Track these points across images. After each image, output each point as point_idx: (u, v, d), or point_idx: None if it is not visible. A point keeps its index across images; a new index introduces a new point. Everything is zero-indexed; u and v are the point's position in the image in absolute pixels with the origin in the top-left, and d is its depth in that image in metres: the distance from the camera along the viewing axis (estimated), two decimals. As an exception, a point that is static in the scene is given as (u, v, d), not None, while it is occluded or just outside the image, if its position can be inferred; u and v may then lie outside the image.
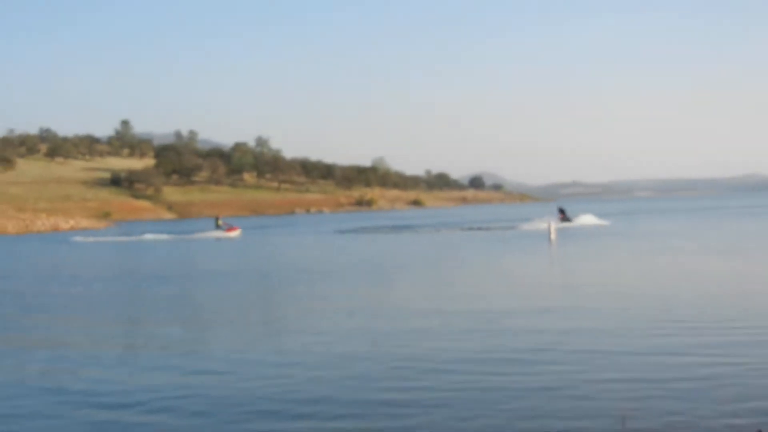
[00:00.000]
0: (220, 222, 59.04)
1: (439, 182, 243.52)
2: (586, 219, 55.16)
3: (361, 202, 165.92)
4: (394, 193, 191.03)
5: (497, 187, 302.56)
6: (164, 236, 57.46)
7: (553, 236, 40.54)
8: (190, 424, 8.33)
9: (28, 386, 10.20)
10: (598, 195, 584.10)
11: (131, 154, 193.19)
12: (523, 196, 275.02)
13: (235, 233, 56.35)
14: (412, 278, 23.25)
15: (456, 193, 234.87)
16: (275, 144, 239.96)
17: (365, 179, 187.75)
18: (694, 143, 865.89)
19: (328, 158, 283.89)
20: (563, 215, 54.65)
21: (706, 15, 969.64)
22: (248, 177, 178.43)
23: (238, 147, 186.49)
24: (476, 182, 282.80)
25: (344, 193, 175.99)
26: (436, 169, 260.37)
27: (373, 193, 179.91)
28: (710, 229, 46.75)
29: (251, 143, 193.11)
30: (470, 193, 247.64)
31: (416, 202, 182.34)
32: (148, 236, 58.13)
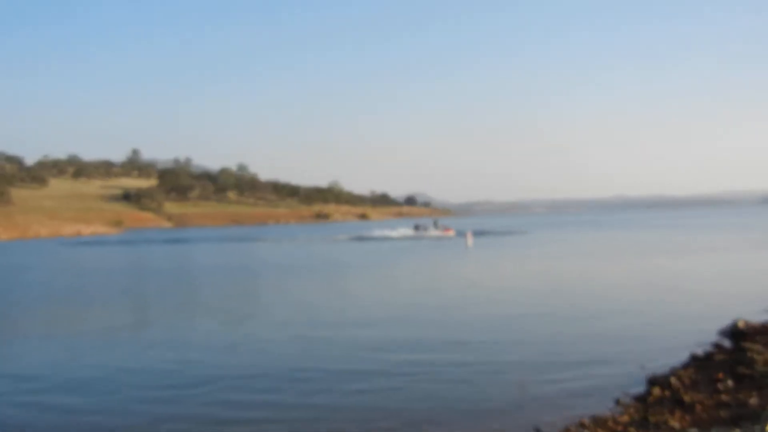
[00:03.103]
0: (438, 224, 59.21)
1: (381, 200, 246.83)
2: (434, 232, 58.12)
3: (320, 216, 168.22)
4: (346, 208, 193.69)
5: (427, 205, 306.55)
6: (399, 232, 56.31)
7: (469, 242, 40.79)
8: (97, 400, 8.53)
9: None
10: (504, 211, 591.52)
11: (140, 176, 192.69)
12: (446, 211, 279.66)
13: (450, 234, 55.83)
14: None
15: (395, 209, 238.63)
16: (253, 168, 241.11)
17: (323, 197, 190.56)
18: (582, 169, 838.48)
19: (294, 180, 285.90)
20: (417, 229, 59.09)
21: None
22: (231, 195, 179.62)
23: (224, 171, 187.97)
24: (410, 200, 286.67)
25: (306, 208, 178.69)
26: (379, 190, 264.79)
27: (330, 208, 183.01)
28: (575, 238, 48.19)
29: (234, 168, 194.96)
30: (406, 208, 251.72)
31: (363, 216, 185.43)
32: (385, 232, 57.12)
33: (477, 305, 15.68)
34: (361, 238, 56.40)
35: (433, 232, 57.36)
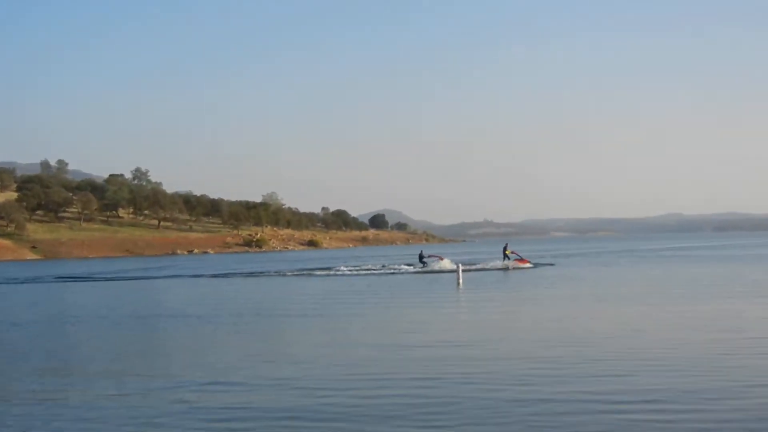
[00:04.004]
0: (509, 251, 62.05)
1: (338, 221, 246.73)
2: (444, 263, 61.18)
3: (250, 243, 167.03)
4: (288, 232, 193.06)
5: (401, 227, 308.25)
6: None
7: (460, 281, 42.50)
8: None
9: None
10: (510, 236, 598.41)
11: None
12: (429, 236, 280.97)
13: (526, 265, 59.21)
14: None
15: (356, 233, 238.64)
16: (155, 176, 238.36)
17: (255, 216, 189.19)
18: (612, 183, 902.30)
19: (214, 193, 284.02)
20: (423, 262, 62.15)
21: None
22: (124, 213, 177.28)
23: (113, 179, 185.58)
24: (378, 221, 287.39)
25: (231, 232, 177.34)
26: (334, 206, 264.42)
27: (264, 232, 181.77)
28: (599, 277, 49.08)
29: (128, 176, 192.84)
30: (371, 232, 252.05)
31: (312, 243, 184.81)
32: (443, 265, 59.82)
33: None
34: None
35: (443, 264, 60.77)
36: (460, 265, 48.97)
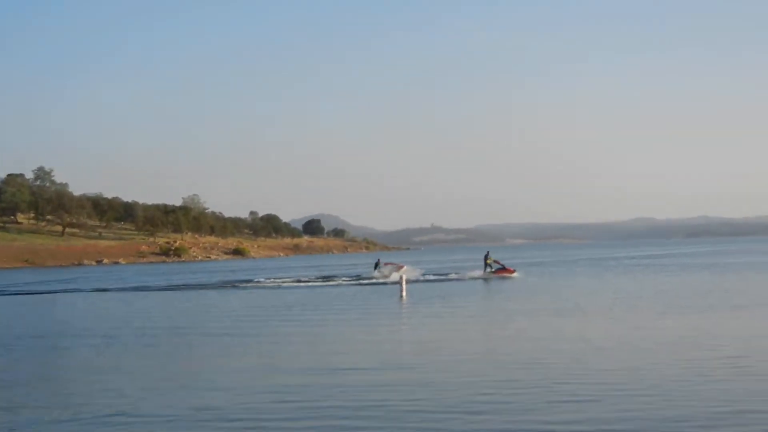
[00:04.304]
0: (490, 260, 61.98)
1: (268, 227, 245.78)
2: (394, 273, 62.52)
3: (167, 252, 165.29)
4: (211, 239, 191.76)
5: (338, 233, 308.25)
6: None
7: (403, 292, 42.97)
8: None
9: None
10: (461, 242, 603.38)
11: None
12: (369, 243, 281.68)
13: (513, 274, 60.00)
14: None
15: (287, 240, 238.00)
16: (61, 177, 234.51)
17: (174, 222, 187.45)
18: (575, 184, 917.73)
19: (128, 195, 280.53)
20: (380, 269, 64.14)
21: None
22: (24, 218, 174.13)
23: (12, 180, 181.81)
24: (312, 227, 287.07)
25: (147, 239, 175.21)
26: (263, 210, 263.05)
27: (184, 239, 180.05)
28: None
29: (29, 176, 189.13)
30: (305, 239, 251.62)
31: (238, 252, 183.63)
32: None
33: None
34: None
35: (393, 273, 61.94)
36: (403, 276, 49.05)
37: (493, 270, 61.19)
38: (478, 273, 61.79)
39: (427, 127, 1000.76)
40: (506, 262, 65.11)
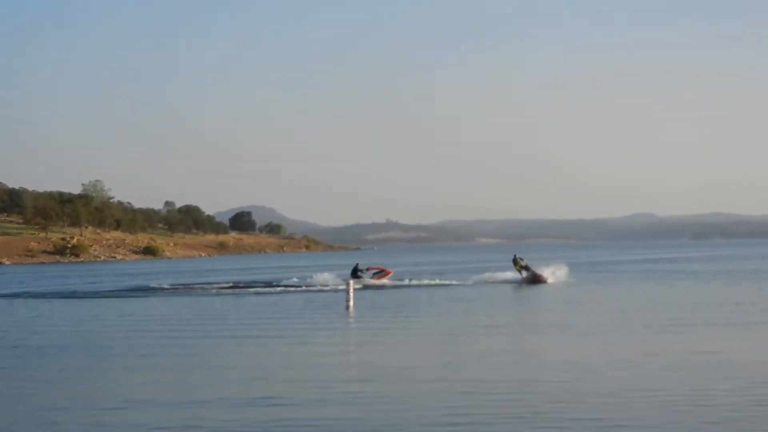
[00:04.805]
0: (524, 262, 62.83)
1: (187, 220, 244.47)
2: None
3: (63, 250, 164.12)
4: (116, 235, 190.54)
5: (273, 229, 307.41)
6: None
7: (351, 303, 43.12)
8: None
9: None
10: (422, 241, 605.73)
11: None
12: (311, 241, 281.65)
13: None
14: None
15: (211, 237, 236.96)
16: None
17: (71, 214, 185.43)
18: (552, 176, 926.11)
19: (15, 181, 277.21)
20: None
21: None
22: None
23: None
24: (241, 221, 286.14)
25: (37, 235, 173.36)
26: (182, 201, 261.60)
27: (84, 236, 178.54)
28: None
29: None
30: (232, 236, 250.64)
31: (149, 251, 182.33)
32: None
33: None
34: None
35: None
36: (351, 282, 49.11)
37: (524, 276, 62.00)
38: (510, 275, 63.48)
39: (378, 109, 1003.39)
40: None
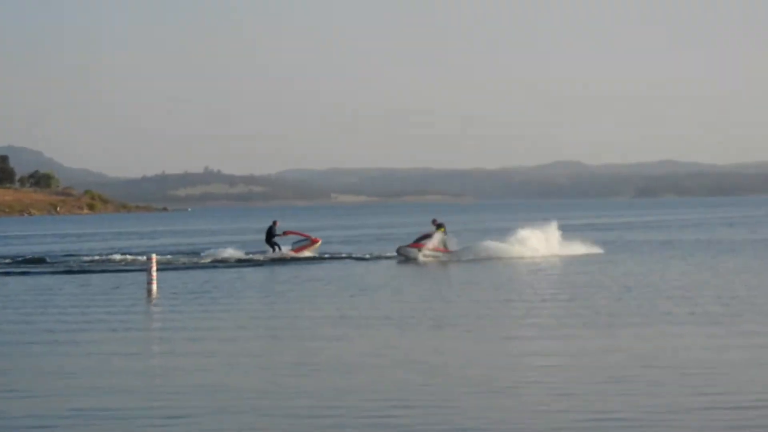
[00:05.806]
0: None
1: None
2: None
3: None
4: None
5: (42, 180, 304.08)
6: None
7: (154, 288, 44.19)
8: None
9: None
10: (256, 199, 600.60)
11: None
12: (95, 197, 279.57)
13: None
14: None
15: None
16: None
17: None
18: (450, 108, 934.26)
19: None
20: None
21: None
22: None
23: None
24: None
25: None
26: None
27: None
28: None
29: None
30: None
31: None
32: None
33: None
34: None
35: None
36: (154, 255, 49.37)
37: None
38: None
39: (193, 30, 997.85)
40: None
